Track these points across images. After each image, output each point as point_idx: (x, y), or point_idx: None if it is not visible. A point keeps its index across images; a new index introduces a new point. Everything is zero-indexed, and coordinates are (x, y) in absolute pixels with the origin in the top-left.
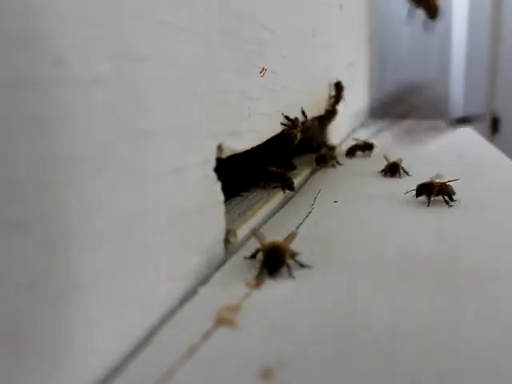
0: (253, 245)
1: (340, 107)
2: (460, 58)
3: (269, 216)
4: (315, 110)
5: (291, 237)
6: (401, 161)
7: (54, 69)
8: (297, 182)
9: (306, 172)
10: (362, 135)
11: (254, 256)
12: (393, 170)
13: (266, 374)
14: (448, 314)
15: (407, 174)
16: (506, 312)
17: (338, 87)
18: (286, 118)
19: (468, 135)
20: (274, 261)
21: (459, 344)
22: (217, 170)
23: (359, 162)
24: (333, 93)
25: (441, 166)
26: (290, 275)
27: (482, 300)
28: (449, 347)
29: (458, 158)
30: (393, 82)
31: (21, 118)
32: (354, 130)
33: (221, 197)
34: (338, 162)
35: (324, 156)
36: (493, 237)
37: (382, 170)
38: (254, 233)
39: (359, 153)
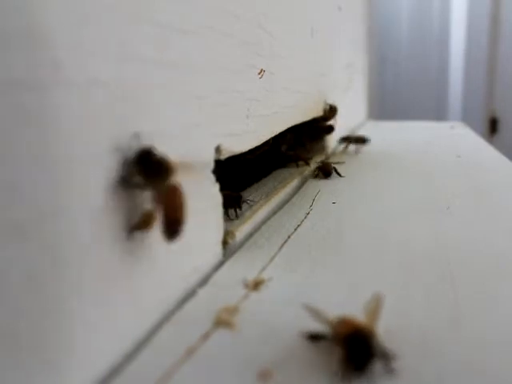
0: (250, 247)
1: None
2: (459, 59)
3: (267, 217)
4: (314, 111)
5: (376, 310)
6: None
7: (52, 71)
8: (294, 183)
9: (303, 174)
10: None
11: (318, 337)
12: (325, 171)
13: (264, 375)
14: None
15: (339, 175)
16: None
17: (332, 110)
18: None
19: (467, 136)
20: (360, 354)
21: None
22: (215, 171)
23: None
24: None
25: (441, 166)
26: (388, 370)
27: (478, 300)
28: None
29: (458, 158)
30: (392, 82)
31: (20, 119)
32: (352, 132)
33: (219, 198)
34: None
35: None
36: (493, 236)
37: (315, 172)
38: (309, 308)
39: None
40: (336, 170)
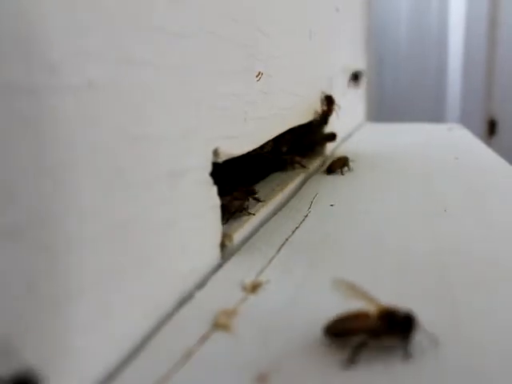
0: (248, 249)
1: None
2: (457, 60)
3: (265, 220)
4: (312, 113)
5: (361, 291)
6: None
7: (48, 75)
8: (292, 186)
9: (301, 176)
10: (358, 139)
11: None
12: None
13: (262, 378)
14: None
15: (341, 173)
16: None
17: (329, 101)
18: None
19: (465, 138)
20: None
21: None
22: (213, 174)
23: None
24: (324, 107)
25: (439, 168)
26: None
27: (476, 302)
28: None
29: (456, 160)
30: (390, 84)
31: (16, 124)
32: (350, 134)
33: (217, 201)
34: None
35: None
36: (490, 239)
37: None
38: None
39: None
40: (341, 170)
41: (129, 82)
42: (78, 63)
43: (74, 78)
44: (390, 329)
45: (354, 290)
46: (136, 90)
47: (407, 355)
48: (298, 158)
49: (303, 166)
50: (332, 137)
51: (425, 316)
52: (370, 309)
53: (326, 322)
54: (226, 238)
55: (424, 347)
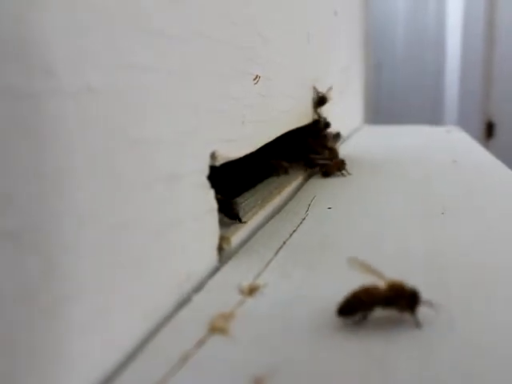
0: (246, 252)
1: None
2: (455, 62)
3: (263, 223)
4: (310, 116)
5: (372, 269)
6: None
7: (46, 79)
8: (290, 188)
9: (299, 178)
10: (356, 141)
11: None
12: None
13: (258, 382)
14: None
15: (348, 172)
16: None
17: (321, 100)
18: None
19: (463, 140)
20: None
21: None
22: (210, 177)
23: None
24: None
25: (437, 170)
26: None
27: (473, 304)
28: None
29: (454, 163)
30: (388, 86)
31: (13, 128)
32: (348, 137)
33: (214, 204)
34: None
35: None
36: (487, 241)
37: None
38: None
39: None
40: (342, 172)
41: (128, 84)
42: (77, 66)
43: (73, 81)
44: (398, 299)
45: (366, 267)
46: (135, 93)
47: (417, 324)
48: (284, 163)
49: (287, 173)
50: (337, 136)
51: (421, 318)
52: (380, 283)
53: (338, 304)
54: (223, 241)
55: (428, 315)
